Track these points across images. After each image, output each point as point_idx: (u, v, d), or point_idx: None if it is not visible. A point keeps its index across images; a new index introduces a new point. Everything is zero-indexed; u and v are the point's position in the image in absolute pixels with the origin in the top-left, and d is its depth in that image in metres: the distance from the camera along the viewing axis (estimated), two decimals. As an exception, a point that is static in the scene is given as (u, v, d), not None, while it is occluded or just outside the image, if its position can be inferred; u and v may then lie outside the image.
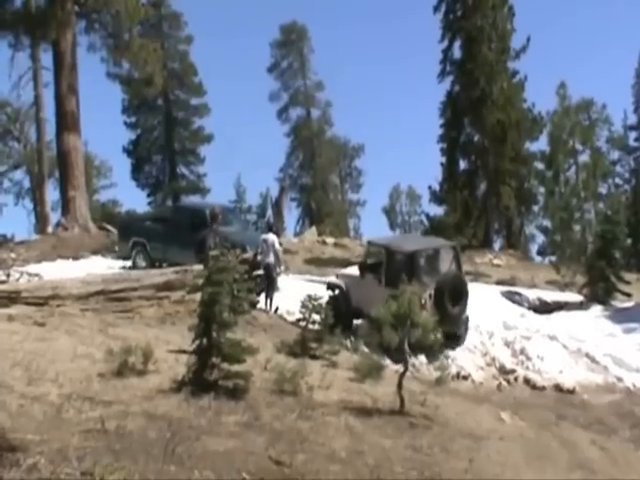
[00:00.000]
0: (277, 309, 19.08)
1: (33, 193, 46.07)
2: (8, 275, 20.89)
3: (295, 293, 18.87)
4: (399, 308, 11.06)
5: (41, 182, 40.04)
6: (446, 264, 18.84)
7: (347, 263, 27.69)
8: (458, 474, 9.13)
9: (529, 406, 14.46)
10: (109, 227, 33.42)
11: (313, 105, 60.29)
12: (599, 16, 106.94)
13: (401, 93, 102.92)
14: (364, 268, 19.00)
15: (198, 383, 10.19)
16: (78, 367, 10.81)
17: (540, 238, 50.03)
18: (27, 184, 47.89)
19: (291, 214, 58.70)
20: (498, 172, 44.11)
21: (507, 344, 18.47)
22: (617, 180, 56.93)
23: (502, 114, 43.37)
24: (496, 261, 34.60)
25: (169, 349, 12.26)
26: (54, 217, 35.32)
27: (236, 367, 10.34)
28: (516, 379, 16.85)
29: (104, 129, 75.90)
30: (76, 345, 12.09)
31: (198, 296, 11.39)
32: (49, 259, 25.10)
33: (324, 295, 17.16)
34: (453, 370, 16.79)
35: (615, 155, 57.17)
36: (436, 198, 46.98)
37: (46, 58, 34.45)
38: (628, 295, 24.05)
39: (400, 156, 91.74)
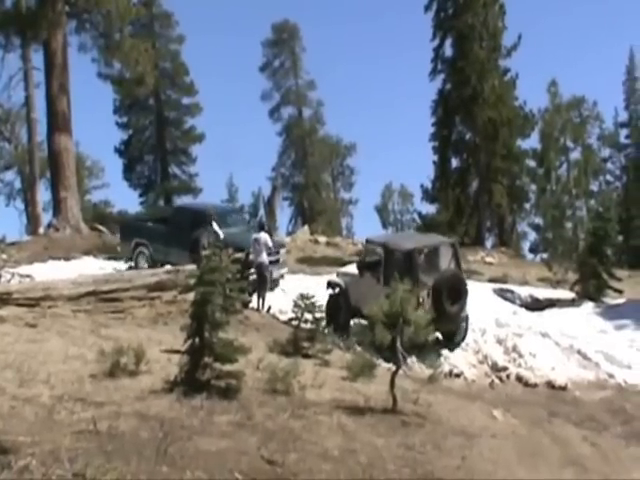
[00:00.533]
0: (269, 308, 19.10)
1: (24, 194, 45.94)
2: (-1, 276, 20.84)
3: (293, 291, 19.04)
4: (391, 306, 11.06)
5: (32, 183, 39.87)
6: (445, 261, 18.74)
7: (340, 262, 27.75)
8: (451, 472, 9.15)
9: (521, 403, 14.49)
10: (101, 228, 33.36)
11: (305, 104, 60.24)
12: (590, 13, 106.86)
13: (393, 92, 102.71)
14: (363, 266, 18.92)
15: (190, 383, 10.19)
16: (70, 368, 10.80)
17: (532, 235, 50.38)
18: (18, 185, 47.80)
19: (283, 213, 58.69)
20: (490, 170, 44.21)
21: (499, 341, 18.49)
22: (608, 177, 57.10)
23: (493, 112, 43.46)
24: (488, 259, 34.63)
25: (161, 349, 12.25)
26: (45, 218, 35.18)
27: (228, 367, 10.34)
28: (508, 376, 16.89)
29: (96, 129, 75.69)
30: (68, 346, 12.08)
31: (190, 296, 11.40)
32: (40, 260, 25.01)
33: (319, 294, 17.10)
34: (446, 368, 16.83)
35: (606, 152, 57.37)
36: (428, 196, 47.06)
37: (37, 58, 34.32)
38: (619, 292, 24.10)
39: (392, 155, 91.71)
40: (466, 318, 18.62)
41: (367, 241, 20.46)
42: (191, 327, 10.47)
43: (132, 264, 23.60)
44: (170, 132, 53.95)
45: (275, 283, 21.64)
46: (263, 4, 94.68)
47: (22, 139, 44.86)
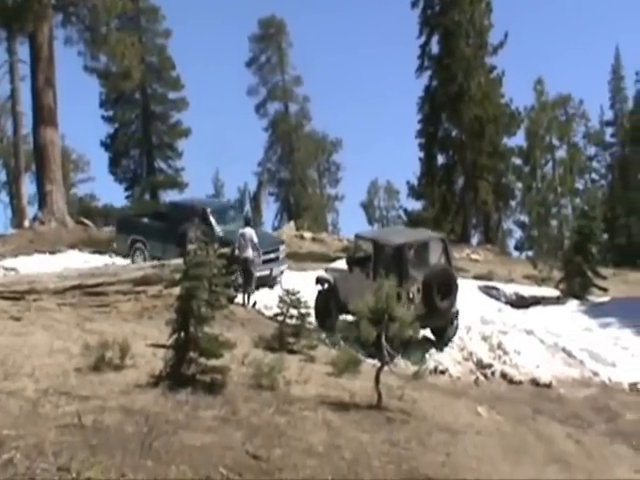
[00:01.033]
0: (255, 304, 19.08)
1: (9, 187, 45.80)
2: (-16, 270, 20.74)
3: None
4: (377, 302, 11.06)
5: (18, 176, 39.60)
6: (435, 257, 18.58)
7: (326, 258, 27.73)
8: (435, 468, 9.17)
9: (506, 400, 14.53)
10: (86, 221, 33.23)
11: (291, 100, 60.20)
12: (576, 12, 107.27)
13: (379, 88, 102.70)
14: (352, 262, 18.75)
15: (175, 378, 10.17)
16: (55, 362, 10.76)
17: (517, 233, 50.54)
18: (3, 178, 47.72)
19: (269, 208, 58.87)
20: (476, 167, 44.33)
21: (484, 339, 18.49)
22: (594, 175, 57.38)
23: (480, 109, 43.57)
24: (474, 256, 34.72)
25: (146, 344, 12.22)
26: (31, 211, 34.93)
27: (213, 362, 10.33)
28: (493, 373, 16.90)
29: (81, 123, 75.32)
30: (53, 340, 12.04)
31: (176, 290, 11.36)
32: (26, 253, 24.86)
33: (304, 289, 17.05)
34: (431, 365, 16.83)
35: (592, 151, 57.65)
36: (414, 193, 47.14)
37: (23, 51, 34.12)
38: (604, 290, 24.20)
39: (378, 151, 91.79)
40: (457, 314, 18.53)
41: (356, 236, 20.29)
42: (176, 322, 10.45)
43: (129, 261, 23.36)
44: (156, 126, 53.82)
45: (275, 280, 21.54)
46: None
47: (7, 132, 44.75)
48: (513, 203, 48.36)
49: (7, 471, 6.80)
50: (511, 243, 51.47)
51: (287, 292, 15.29)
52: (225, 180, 61.94)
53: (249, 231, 19.62)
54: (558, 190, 47.76)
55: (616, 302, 22.99)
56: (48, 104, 31.27)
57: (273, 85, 59.82)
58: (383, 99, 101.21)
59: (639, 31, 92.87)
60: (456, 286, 18.20)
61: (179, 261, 14.63)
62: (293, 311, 14.97)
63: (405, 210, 51.93)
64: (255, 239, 19.59)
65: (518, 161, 48.62)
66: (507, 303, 22.76)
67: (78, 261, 23.48)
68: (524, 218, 48.74)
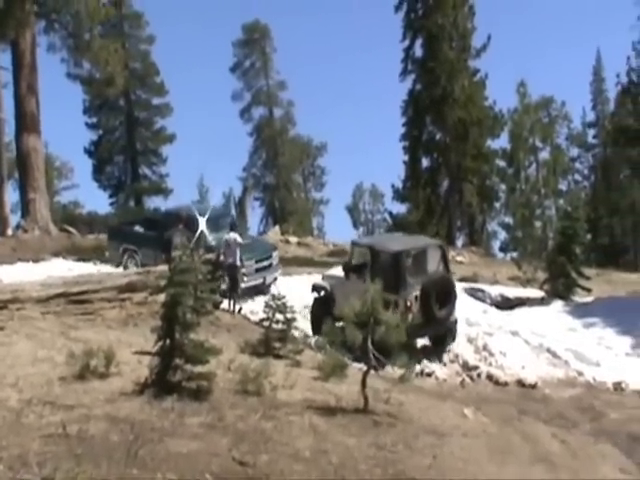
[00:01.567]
0: (240, 309, 19.04)
1: (-8, 195, 45.43)
2: (-33, 279, 20.57)
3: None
4: (362, 306, 11.08)
5: (0, 184, 39.46)
6: (433, 264, 18.26)
7: (311, 262, 27.76)
8: (422, 470, 9.19)
9: (492, 402, 14.58)
10: (70, 229, 33.09)
11: (276, 104, 60.19)
12: (558, 15, 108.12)
13: (364, 92, 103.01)
14: (349, 269, 18.46)
15: (161, 385, 10.15)
16: (38, 371, 10.72)
17: (502, 235, 50.74)
18: (-14, 186, 47.20)
19: (254, 213, 58.78)
20: (460, 169, 44.49)
21: (470, 340, 18.54)
22: (577, 177, 57.69)
23: (463, 112, 43.74)
24: (459, 258, 34.75)
25: (132, 351, 12.18)
26: (14, 219, 34.72)
27: (199, 368, 10.31)
28: (479, 375, 16.94)
29: (65, 130, 75.05)
30: (36, 349, 11.98)
31: (161, 297, 11.34)
32: (9, 262, 24.67)
33: (290, 294, 17.01)
34: (417, 367, 16.84)
35: (574, 152, 57.94)
36: (399, 196, 47.23)
37: (5, 58, 33.82)
38: (588, 290, 24.28)
39: (363, 155, 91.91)
40: (455, 322, 18.27)
41: (353, 243, 19.99)
42: (162, 328, 10.43)
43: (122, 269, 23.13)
44: (140, 133, 53.70)
45: (268, 287, 21.18)
46: (234, 4, 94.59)
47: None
48: (497, 205, 48.58)
49: (-9, 482, 6.78)
50: (496, 245, 51.72)
51: (273, 297, 15.29)
52: (210, 185, 61.75)
53: (234, 236, 19.57)
54: (542, 191, 47.98)
55: (600, 302, 23.09)
56: (31, 111, 31.17)
57: (257, 90, 59.81)
58: (367, 103, 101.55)
59: (620, 33, 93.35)
60: (455, 294, 18.00)
61: (164, 268, 14.61)
62: (279, 316, 14.96)
63: (390, 213, 52.04)
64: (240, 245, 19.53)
65: (502, 163, 48.85)
66: (492, 305, 22.80)
67: (62, 269, 23.33)
68: (508, 220, 48.97)
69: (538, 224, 47.77)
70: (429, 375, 16.68)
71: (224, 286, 19.13)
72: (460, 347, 18.19)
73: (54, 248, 27.66)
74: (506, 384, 16.58)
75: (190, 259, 11.10)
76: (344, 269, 18.64)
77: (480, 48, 45.25)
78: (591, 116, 58.76)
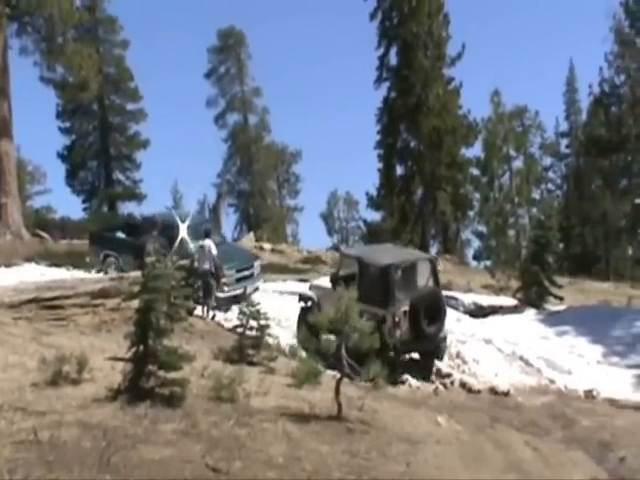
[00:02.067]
0: (214, 316, 18.99)
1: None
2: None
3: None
4: (336, 313, 11.07)
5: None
6: (423, 278, 17.91)
7: (286, 269, 27.75)
8: (395, 478, 9.19)
9: (465, 409, 14.62)
10: (43, 234, 32.84)
11: (251, 111, 60.20)
12: (532, 26, 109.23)
13: (339, 99, 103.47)
14: (336, 280, 17.91)
15: (134, 391, 10.06)
16: (10, 377, 10.59)
17: (476, 243, 51.08)
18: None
19: (229, 220, 58.69)
20: (434, 178, 44.67)
21: (443, 348, 18.60)
22: (549, 186, 58.27)
23: (438, 120, 43.92)
24: (432, 266, 34.86)
25: (105, 357, 12.08)
26: (-15, 224, 34.46)
27: (173, 374, 10.23)
28: (452, 383, 16.97)
29: (38, 134, 74.78)
30: (8, 354, 11.83)
31: (134, 303, 11.27)
32: (-20, 267, 24.52)
33: (264, 300, 16.93)
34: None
35: (547, 161, 58.54)
36: (373, 204, 47.33)
37: (-25, 61, 33.64)
38: (560, 299, 24.51)
39: (338, 162, 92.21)
40: (444, 338, 17.94)
41: (341, 253, 19.63)
42: (135, 334, 10.34)
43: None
44: (114, 138, 53.48)
45: (249, 297, 20.09)
46: (209, 9, 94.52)
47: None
48: (471, 213, 48.84)
49: (-39, 489, 6.70)
50: (469, 253, 52.07)
51: (247, 304, 15.26)
52: (184, 192, 61.62)
53: (208, 243, 19.52)
54: (515, 200, 48.30)
55: (572, 311, 23.30)
56: (3, 115, 30.96)
57: (232, 96, 59.80)
58: (342, 110, 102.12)
59: (592, 45, 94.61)
60: (444, 310, 17.65)
61: (137, 274, 14.53)
62: (253, 323, 14.92)
63: (364, 221, 52.22)
64: (214, 251, 19.47)
65: (476, 172, 49.13)
66: (466, 313, 22.93)
67: (34, 274, 23.16)
68: (482, 228, 49.26)
69: (511, 233, 48.09)
70: (403, 383, 16.67)
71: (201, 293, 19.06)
72: (434, 355, 18.23)
73: (26, 253, 27.47)
74: (479, 392, 16.64)
75: (164, 265, 11.02)
76: (331, 280, 18.25)
77: (455, 57, 45.50)
78: (564, 126, 59.49)
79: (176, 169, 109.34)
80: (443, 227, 46.78)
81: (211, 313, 19.01)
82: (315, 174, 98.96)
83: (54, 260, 25.98)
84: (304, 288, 19.98)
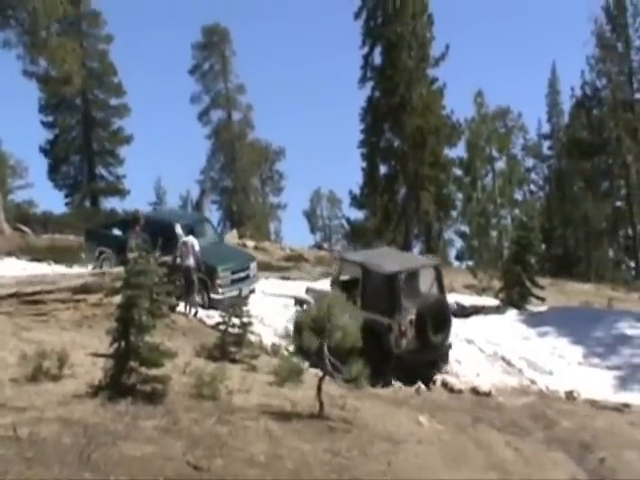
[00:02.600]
0: (196, 313, 18.91)
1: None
2: None
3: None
4: (319, 311, 11.05)
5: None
6: (426, 285, 17.52)
7: (269, 266, 27.66)
8: (377, 477, 9.22)
9: (446, 409, 14.61)
10: (24, 228, 32.62)
11: (234, 108, 59.97)
12: (515, 27, 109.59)
13: (323, 97, 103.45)
14: (336, 285, 17.40)
15: (115, 388, 10.02)
16: (-11, 372, 10.51)
17: (458, 243, 51.12)
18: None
19: (212, 216, 58.41)
20: (418, 177, 44.70)
21: (425, 348, 18.58)
22: (532, 187, 58.44)
23: (421, 120, 43.95)
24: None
25: (86, 353, 12.03)
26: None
27: (154, 371, 10.21)
28: (434, 382, 16.96)
29: (20, 128, 74.21)
30: (-13, 349, 11.76)
31: (116, 299, 11.22)
32: (-40, 261, 24.31)
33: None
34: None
35: (530, 163, 58.74)
36: (356, 202, 47.32)
37: (-44, 54, 33.35)
38: (542, 299, 24.57)
39: (321, 160, 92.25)
40: (449, 347, 17.73)
41: (342, 259, 19.08)
42: (117, 330, 10.30)
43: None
44: (97, 133, 53.21)
45: (245, 300, 20.78)
46: (194, 5, 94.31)
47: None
48: (454, 213, 48.87)
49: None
50: (452, 253, 52.13)
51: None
52: (167, 188, 61.38)
53: (191, 239, 19.44)
54: (498, 201, 48.36)
55: (553, 311, 23.37)
56: (-16, 108, 30.71)
57: (216, 93, 59.57)
58: (326, 109, 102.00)
59: (575, 48, 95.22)
60: (450, 319, 17.40)
61: (120, 269, 14.44)
62: (235, 320, 14.88)
63: (347, 219, 52.18)
64: (197, 247, 19.39)
65: (459, 172, 49.18)
66: (448, 313, 22.91)
67: (15, 268, 22.98)
68: (464, 228, 49.29)
69: (494, 233, 48.14)
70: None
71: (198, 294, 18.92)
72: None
73: (7, 247, 27.26)
74: (461, 392, 16.62)
75: (146, 261, 10.95)
76: (332, 285, 17.74)
77: (439, 57, 45.52)
78: (546, 128, 59.73)
79: (159, 165, 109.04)
80: (426, 227, 46.81)
81: (193, 310, 18.93)
82: (298, 172, 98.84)
83: (35, 255, 25.79)
84: (290, 288, 19.75)
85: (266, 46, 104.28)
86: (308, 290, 18.96)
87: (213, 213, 59.00)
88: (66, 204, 52.94)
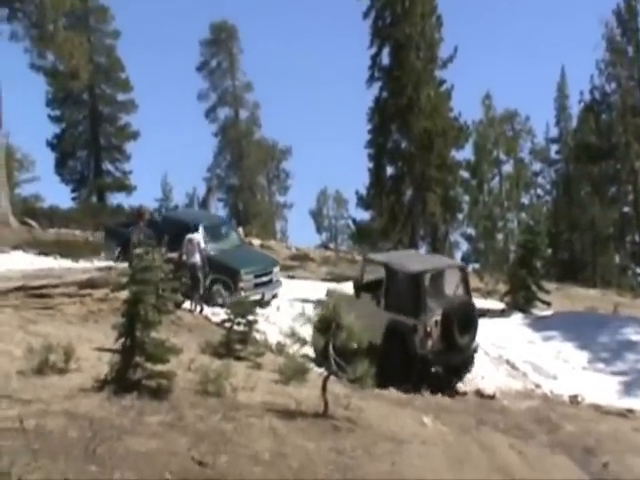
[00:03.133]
0: (202, 309, 18.93)
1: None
2: None
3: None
4: (325, 310, 11.05)
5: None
6: (452, 287, 17.36)
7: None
8: (381, 477, 9.19)
9: (451, 411, 14.59)
10: (31, 222, 32.66)
11: (242, 106, 59.92)
12: (524, 31, 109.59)
13: (330, 97, 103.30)
14: (360, 287, 17.33)
15: (121, 382, 10.03)
16: (-4, 365, 10.53)
17: (464, 246, 51.03)
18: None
19: (218, 214, 58.51)
20: (424, 179, 44.52)
21: (430, 350, 18.54)
22: (539, 191, 58.32)
23: (429, 122, 43.78)
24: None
25: (92, 347, 12.06)
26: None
27: (160, 367, 10.20)
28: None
29: (27, 121, 74.24)
30: (-6, 342, 11.78)
31: (122, 294, 11.22)
32: (-33, 254, 24.30)
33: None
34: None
35: (537, 167, 58.58)
36: (363, 203, 47.14)
37: (-36, 46, 33.49)
38: (547, 304, 24.57)
39: (328, 160, 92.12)
40: (476, 349, 17.56)
41: (365, 259, 18.91)
42: (123, 326, 10.31)
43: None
44: (104, 128, 53.13)
45: (267, 303, 20.55)
46: (202, 2, 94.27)
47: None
48: (460, 216, 48.75)
49: (-54, 475, 6.63)
50: (458, 255, 51.96)
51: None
52: (174, 184, 61.42)
53: (197, 237, 19.49)
54: (504, 204, 48.32)
55: (558, 316, 23.37)
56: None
57: (223, 90, 59.49)
58: (334, 108, 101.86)
59: (584, 51, 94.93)
60: (477, 321, 17.18)
61: (125, 265, 14.48)
62: (240, 318, 14.90)
63: (354, 220, 52.03)
64: (202, 244, 19.42)
65: (466, 174, 49.08)
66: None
67: (22, 262, 22.99)
68: (471, 231, 49.24)
69: (500, 237, 48.08)
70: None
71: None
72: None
73: (14, 241, 27.26)
74: (465, 394, 16.65)
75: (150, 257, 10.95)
76: (355, 287, 17.53)
77: (447, 59, 45.30)
78: (554, 132, 59.59)
79: (166, 162, 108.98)
80: (432, 229, 46.64)
81: (199, 307, 18.95)
82: (305, 171, 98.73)
83: (42, 249, 25.78)
84: (295, 287, 19.60)
85: (274, 45, 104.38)
86: (329, 293, 18.44)
87: (219, 211, 59.07)
88: (73, 199, 53.01)
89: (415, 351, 16.25)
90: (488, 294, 27.21)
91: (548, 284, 27.09)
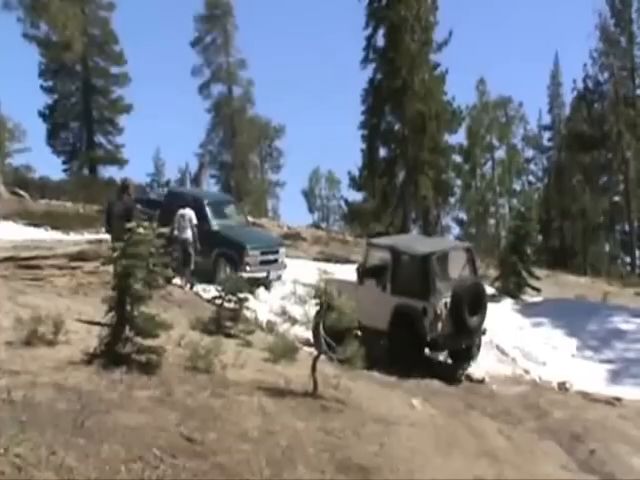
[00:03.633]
0: (192, 285, 18.86)
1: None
2: None
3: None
4: (315, 291, 11.01)
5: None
6: (458, 268, 17.08)
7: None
8: (369, 457, 9.16)
9: (440, 394, 14.61)
10: (21, 192, 32.46)
11: (235, 82, 59.57)
12: (519, 17, 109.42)
13: (325, 76, 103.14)
14: (364, 272, 17.04)
15: (110, 356, 9.96)
16: (-17, 334, 10.44)
17: (456, 230, 51.15)
18: None
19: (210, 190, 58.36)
20: (417, 162, 44.47)
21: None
22: (531, 178, 58.39)
23: (422, 105, 43.67)
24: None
25: (81, 320, 11.96)
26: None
27: (149, 341, 10.15)
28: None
29: (19, 91, 73.77)
30: (-18, 312, 11.68)
31: (112, 268, 11.14)
32: (-43, 224, 24.17)
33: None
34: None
35: (530, 153, 58.64)
36: (355, 184, 47.16)
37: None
38: (537, 290, 24.60)
39: (321, 139, 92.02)
40: (484, 332, 17.39)
41: (369, 244, 18.48)
42: (112, 299, 10.22)
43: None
44: (97, 100, 52.72)
45: (270, 284, 20.54)
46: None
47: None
48: (452, 200, 48.85)
49: None
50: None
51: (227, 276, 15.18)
52: (166, 159, 61.20)
53: (189, 212, 19.39)
54: (496, 190, 48.46)
55: (548, 303, 23.40)
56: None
57: (217, 67, 59.12)
58: (328, 87, 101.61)
59: (578, 39, 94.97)
60: (486, 302, 16.99)
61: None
62: (231, 295, 14.84)
63: (346, 200, 52.00)
64: (194, 220, 19.33)
65: (458, 159, 49.10)
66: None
67: (12, 233, 22.83)
68: (462, 215, 49.40)
69: (491, 221, 48.26)
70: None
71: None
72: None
73: (4, 211, 27.10)
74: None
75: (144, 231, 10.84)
76: (359, 272, 17.25)
77: (441, 42, 45.17)
78: (547, 119, 59.56)
79: (159, 136, 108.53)
80: (424, 212, 46.70)
81: (189, 283, 18.89)
82: (298, 150, 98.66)
83: (32, 220, 25.65)
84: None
85: (268, 23, 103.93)
86: (330, 279, 18.45)
87: (211, 187, 58.90)
88: (64, 170, 52.69)
89: (425, 334, 16.12)
90: (478, 279, 27.19)
91: (538, 271, 27.10)
